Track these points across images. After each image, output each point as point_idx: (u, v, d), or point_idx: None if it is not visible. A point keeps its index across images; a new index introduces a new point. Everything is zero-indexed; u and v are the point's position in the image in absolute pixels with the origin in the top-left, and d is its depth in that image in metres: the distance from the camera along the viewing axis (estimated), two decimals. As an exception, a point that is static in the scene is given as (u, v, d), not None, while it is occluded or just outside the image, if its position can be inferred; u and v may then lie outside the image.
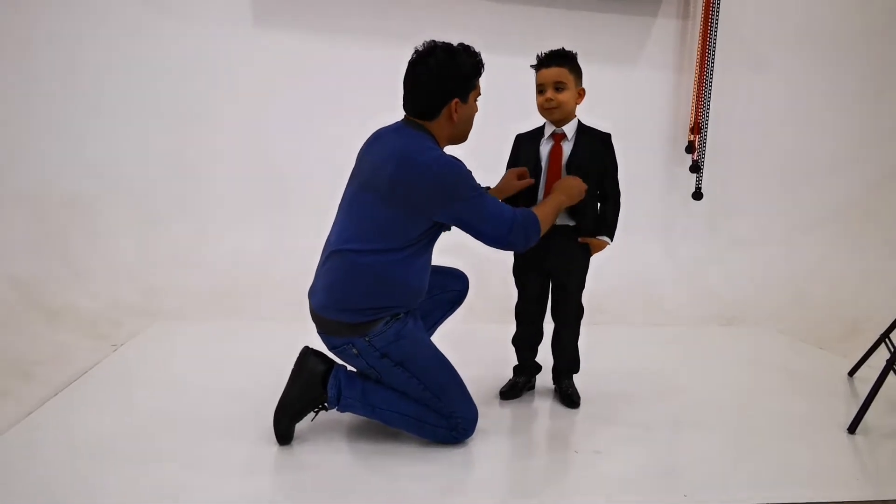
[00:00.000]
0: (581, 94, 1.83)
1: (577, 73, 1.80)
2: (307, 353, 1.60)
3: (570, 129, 1.82)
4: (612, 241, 1.84)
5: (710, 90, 3.26)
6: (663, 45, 3.34)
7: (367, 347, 1.53)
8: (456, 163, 1.52)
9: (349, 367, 1.63)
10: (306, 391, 1.55)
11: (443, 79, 1.54)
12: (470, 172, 1.55)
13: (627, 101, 3.31)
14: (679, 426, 1.84)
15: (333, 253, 1.56)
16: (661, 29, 3.32)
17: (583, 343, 1.96)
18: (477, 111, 1.66)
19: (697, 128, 3.32)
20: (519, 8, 3.13)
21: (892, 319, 2.08)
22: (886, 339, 2.08)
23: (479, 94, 1.65)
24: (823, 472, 1.56)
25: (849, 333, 2.84)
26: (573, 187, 1.73)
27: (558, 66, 1.76)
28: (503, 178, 1.87)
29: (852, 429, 1.79)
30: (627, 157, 2.87)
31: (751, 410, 1.95)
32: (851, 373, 2.28)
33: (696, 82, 3.31)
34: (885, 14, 3.40)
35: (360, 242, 1.52)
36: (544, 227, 1.64)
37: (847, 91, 3.45)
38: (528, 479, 1.50)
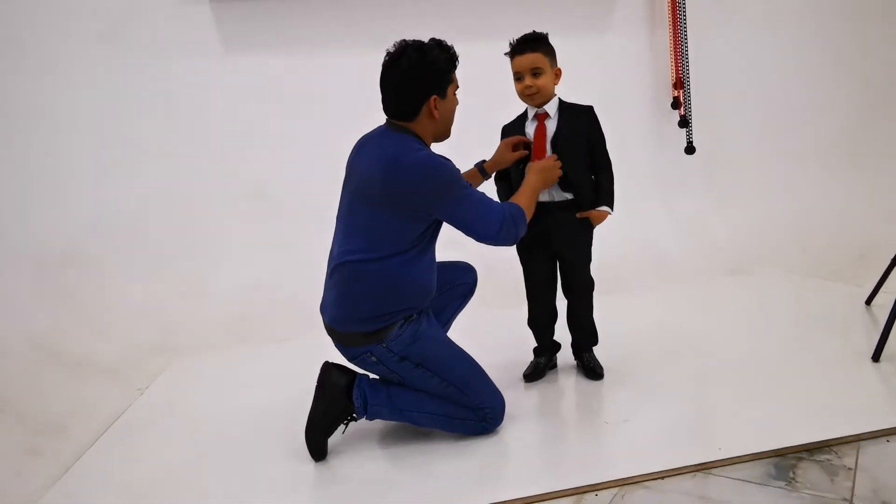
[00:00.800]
0: (558, 74, 1.83)
1: (551, 54, 1.81)
2: (328, 367, 1.61)
3: (551, 107, 1.83)
4: (612, 210, 1.85)
5: (686, 43, 3.24)
6: (633, 6, 3.32)
7: (386, 353, 1.55)
8: (444, 161, 1.53)
9: (371, 375, 1.65)
10: (333, 405, 1.57)
11: (417, 78, 1.54)
12: (458, 171, 1.56)
13: (605, 67, 3.29)
14: (704, 381, 1.85)
15: (338, 266, 1.57)
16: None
17: (598, 314, 1.97)
18: (458, 104, 1.67)
19: (680, 83, 3.31)
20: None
21: (901, 243, 2.08)
22: (898, 263, 2.09)
23: (458, 86, 1.65)
24: (855, 404, 1.57)
25: (860, 263, 2.84)
26: (548, 168, 1.74)
27: (532, 52, 1.76)
28: (497, 150, 1.88)
29: (876, 356, 1.79)
30: (615, 122, 2.87)
31: (773, 354, 1.96)
32: (868, 301, 2.29)
33: (671, 37, 3.29)
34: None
35: (363, 252, 1.53)
36: (528, 216, 1.65)
37: (826, 24, 3.41)
38: (564, 458, 1.52)
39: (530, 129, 1.84)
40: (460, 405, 1.58)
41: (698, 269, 3.12)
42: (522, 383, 1.94)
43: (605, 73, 3.28)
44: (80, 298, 2.76)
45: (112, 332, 2.62)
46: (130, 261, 2.90)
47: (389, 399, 1.59)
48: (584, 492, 1.34)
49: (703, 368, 1.92)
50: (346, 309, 1.55)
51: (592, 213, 1.82)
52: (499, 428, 1.63)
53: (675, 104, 3.34)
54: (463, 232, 1.56)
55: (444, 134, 1.66)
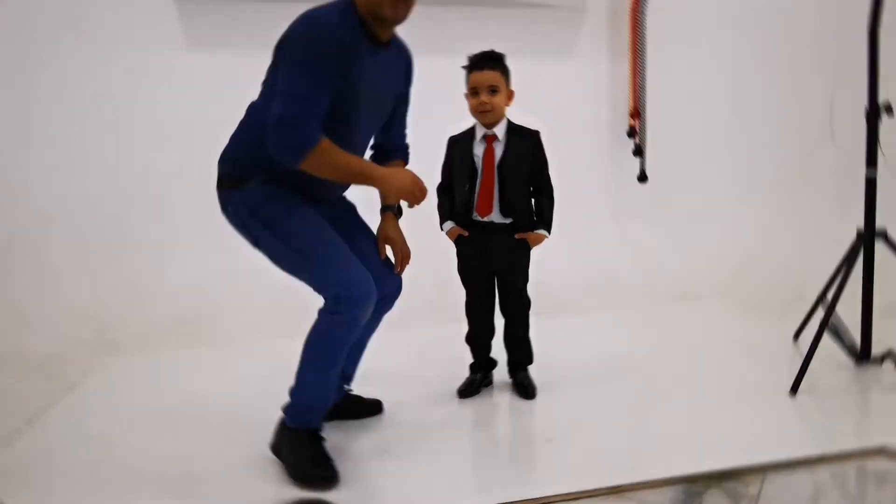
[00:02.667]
0: (510, 95, 1.87)
1: (507, 75, 1.85)
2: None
3: (500, 130, 1.87)
4: (549, 233, 1.89)
5: (644, 75, 3.35)
6: (597, 34, 3.42)
7: (239, 202, 1.50)
8: (324, 24, 1.38)
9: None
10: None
11: None
12: (330, 46, 1.36)
13: (565, 92, 3.37)
14: (632, 404, 1.90)
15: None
16: (591, 18, 3.40)
17: (540, 334, 2.01)
18: None
19: (637, 112, 3.41)
20: (446, 9, 3.15)
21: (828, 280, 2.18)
22: (823, 299, 2.18)
23: None
24: (766, 435, 1.63)
25: (796, 297, 2.95)
26: (405, 187, 1.48)
27: (491, 70, 1.81)
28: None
29: (794, 390, 1.87)
30: (572, 146, 2.91)
31: (701, 382, 2.02)
32: (796, 336, 2.38)
33: (630, 68, 3.39)
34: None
35: (261, 98, 1.55)
36: (328, 169, 1.40)
37: (773, 63, 3.56)
38: (481, 475, 1.54)
39: (479, 150, 1.88)
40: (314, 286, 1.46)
41: (645, 294, 3.20)
42: (456, 399, 1.95)
43: (565, 96, 3.36)
44: (17, 290, 2.68)
45: (46, 326, 2.55)
46: (75, 254, 2.84)
47: None
48: (497, 511, 1.36)
49: (633, 392, 1.97)
50: (228, 147, 1.58)
51: (530, 235, 1.87)
52: (359, 314, 1.43)
53: (631, 133, 3.43)
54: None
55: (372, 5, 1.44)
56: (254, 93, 3.11)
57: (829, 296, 2.02)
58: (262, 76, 3.10)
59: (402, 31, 3.14)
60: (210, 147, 2.97)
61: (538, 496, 1.39)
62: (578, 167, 3.22)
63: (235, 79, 3.03)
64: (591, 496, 1.39)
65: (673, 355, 2.30)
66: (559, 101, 3.29)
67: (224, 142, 1.55)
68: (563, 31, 3.36)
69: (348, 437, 1.67)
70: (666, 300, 3.14)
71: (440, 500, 1.40)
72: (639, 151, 3.40)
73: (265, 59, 3.14)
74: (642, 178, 3.40)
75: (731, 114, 3.54)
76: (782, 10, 3.51)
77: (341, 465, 1.50)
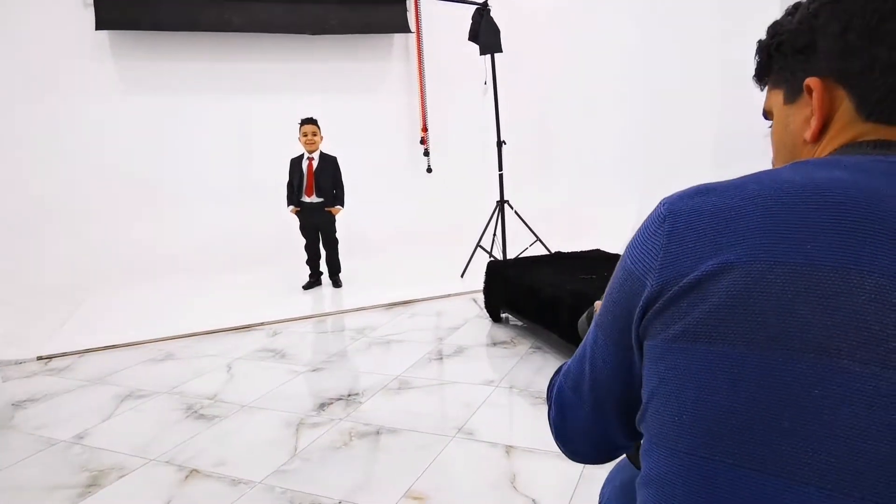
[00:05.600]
0: (321, 137, 3.76)
1: (319, 126, 3.73)
2: None
3: (316, 155, 3.75)
4: (343, 207, 3.82)
5: (426, 103, 5.33)
6: (396, 78, 5.35)
7: None
8: None
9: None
10: None
11: None
12: None
13: (380, 116, 5.28)
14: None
15: None
16: (393, 66, 5.32)
17: (349, 260, 3.94)
18: None
19: (425, 128, 5.39)
20: (293, 65, 4.95)
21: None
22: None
23: None
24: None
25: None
26: None
27: (313, 125, 3.68)
28: None
29: None
30: (384, 152, 4.86)
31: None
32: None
33: (420, 98, 5.35)
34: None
35: None
36: None
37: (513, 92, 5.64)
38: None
39: (304, 164, 3.75)
40: None
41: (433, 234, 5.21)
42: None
43: (379, 119, 5.27)
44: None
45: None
46: None
47: None
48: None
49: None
50: None
51: (333, 209, 3.78)
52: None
53: (422, 141, 5.41)
54: None
55: None
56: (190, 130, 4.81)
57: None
58: (193, 113, 4.78)
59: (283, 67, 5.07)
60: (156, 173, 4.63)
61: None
62: (391, 162, 5.17)
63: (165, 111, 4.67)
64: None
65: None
66: (377, 121, 5.20)
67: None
68: (374, 75, 5.27)
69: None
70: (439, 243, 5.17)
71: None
72: (426, 153, 5.40)
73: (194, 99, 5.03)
74: (429, 170, 5.41)
75: (484, 127, 5.60)
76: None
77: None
